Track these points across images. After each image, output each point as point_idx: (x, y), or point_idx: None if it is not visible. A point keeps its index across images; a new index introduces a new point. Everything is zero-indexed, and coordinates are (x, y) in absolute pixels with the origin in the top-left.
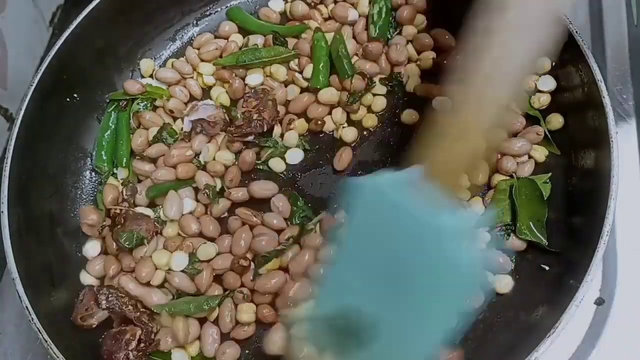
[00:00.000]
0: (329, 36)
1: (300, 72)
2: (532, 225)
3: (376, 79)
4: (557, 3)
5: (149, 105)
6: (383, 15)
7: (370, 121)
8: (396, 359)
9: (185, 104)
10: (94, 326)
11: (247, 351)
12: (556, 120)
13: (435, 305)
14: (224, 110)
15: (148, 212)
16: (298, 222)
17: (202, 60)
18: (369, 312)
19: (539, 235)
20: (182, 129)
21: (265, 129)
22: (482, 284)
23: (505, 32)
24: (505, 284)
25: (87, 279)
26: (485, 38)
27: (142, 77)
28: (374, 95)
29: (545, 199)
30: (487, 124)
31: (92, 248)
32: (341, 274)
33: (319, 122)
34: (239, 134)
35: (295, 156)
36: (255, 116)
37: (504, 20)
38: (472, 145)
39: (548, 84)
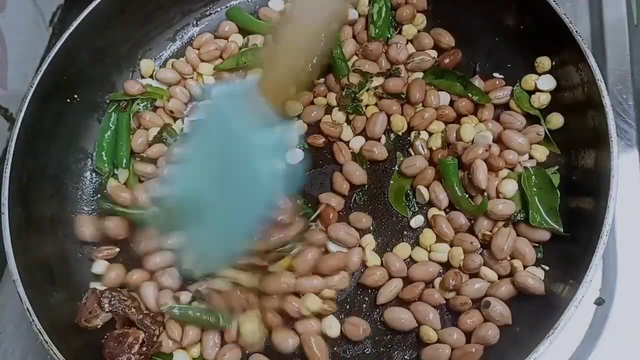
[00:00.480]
0: None
1: None
2: (545, 214)
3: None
4: None
5: (149, 105)
6: (383, 15)
7: None
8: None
9: (186, 104)
10: (99, 327)
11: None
12: (556, 120)
13: (249, 197)
14: None
15: None
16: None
17: (202, 61)
18: (204, 199)
19: (552, 223)
20: (182, 129)
21: None
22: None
23: None
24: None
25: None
26: None
27: (142, 77)
28: None
29: (555, 186)
30: (301, 51)
31: (99, 266)
32: (187, 169)
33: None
34: None
35: (295, 156)
36: None
37: None
38: (292, 67)
39: (548, 83)
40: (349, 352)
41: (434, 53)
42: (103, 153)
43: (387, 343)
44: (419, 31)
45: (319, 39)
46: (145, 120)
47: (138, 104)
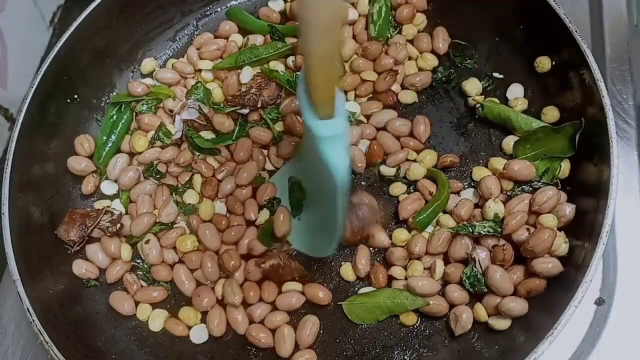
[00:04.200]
0: None
1: (298, 70)
2: None
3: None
4: None
5: (152, 107)
6: (383, 15)
7: None
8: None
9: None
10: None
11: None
12: (552, 113)
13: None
14: (211, 109)
15: None
16: None
17: (204, 60)
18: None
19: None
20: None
21: (259, 105)
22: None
23: None
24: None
25: None
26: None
27: (143, 76)
28: None
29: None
30: (327, 54)
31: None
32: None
33: None
34: (233, 102)
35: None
36: (253, 90)
37: None
38: (330, 68)
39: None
40: (349, 351)
41: (434, 61)
42: (102, 153)
43: (387, 343)
44: (419, 31)
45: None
46: (144, 123)
47: (143, 104)
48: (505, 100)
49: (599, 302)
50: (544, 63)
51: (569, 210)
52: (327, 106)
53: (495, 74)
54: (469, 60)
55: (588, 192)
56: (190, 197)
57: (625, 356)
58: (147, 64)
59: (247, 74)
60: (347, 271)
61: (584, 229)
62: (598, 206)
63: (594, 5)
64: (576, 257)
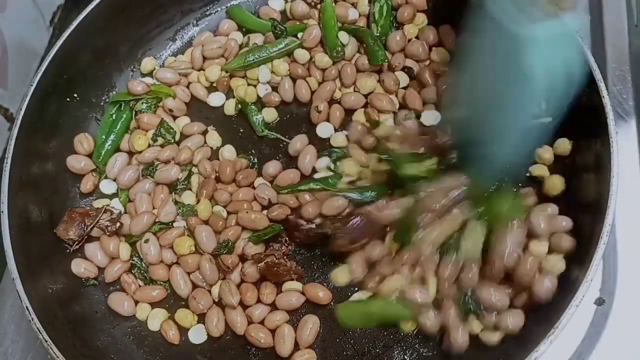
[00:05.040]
0: None
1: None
2: None
3: None
4: None
5: (152, 106)
6: (384, 14)
7: None
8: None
9: (187, 104)
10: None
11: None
12: (564, 146)
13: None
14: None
15: None
16: None
17: (205, 59)
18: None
19: None
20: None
21: None
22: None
23: None
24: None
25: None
26: None
27: (142, 75)
28: None
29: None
30: None
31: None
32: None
33: None
34: None
35: None
36: None
37: None
38: None
39: None
40: (349, 351)
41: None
42: (102, 152)
43: (387, 343)
44: (420, 30)
45: None
46: (144, 122)
47: (142, 103)
48: None
49: (599, 302)
50: None
51: (564, 223)
52: None
53: None
54: None
55: (588, 192)
56: (188, 197)
57: (625, 356)
58: (147, 64)
59: (264, 73)
60: (336, 276)
61: (584, 229)
62: (598, 206)
63: (594, 5)
64: (577, 256)
